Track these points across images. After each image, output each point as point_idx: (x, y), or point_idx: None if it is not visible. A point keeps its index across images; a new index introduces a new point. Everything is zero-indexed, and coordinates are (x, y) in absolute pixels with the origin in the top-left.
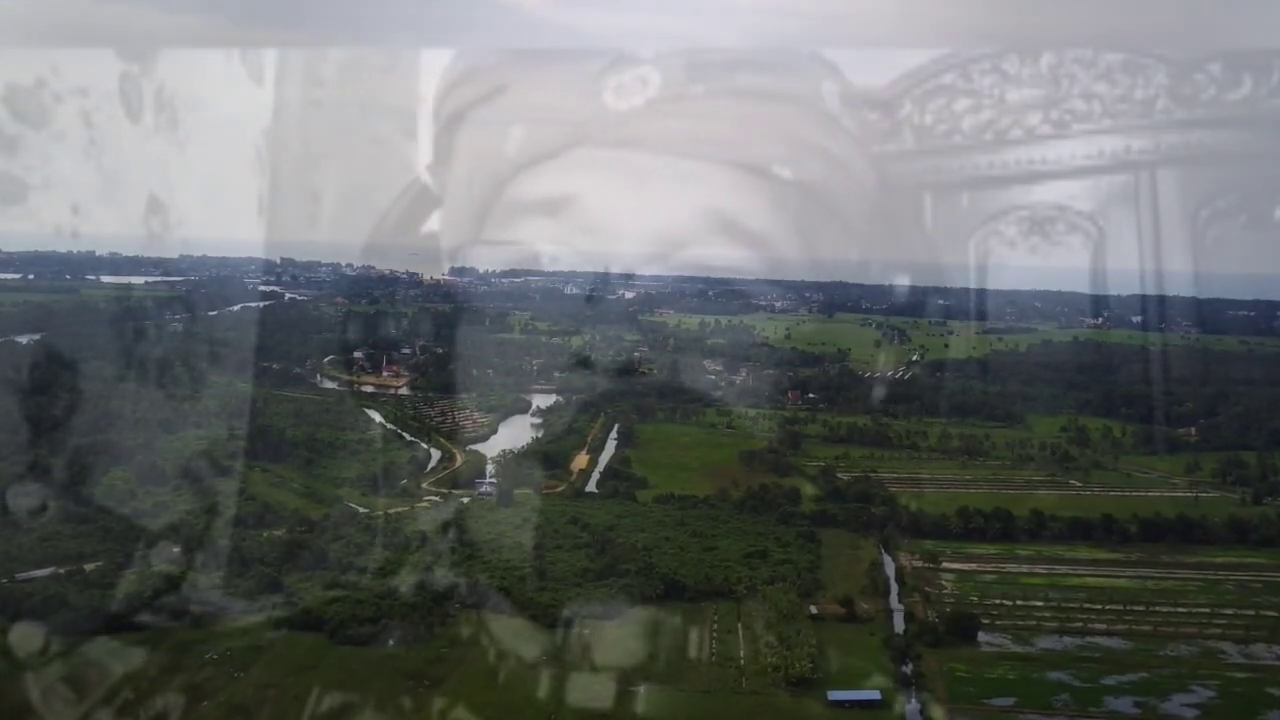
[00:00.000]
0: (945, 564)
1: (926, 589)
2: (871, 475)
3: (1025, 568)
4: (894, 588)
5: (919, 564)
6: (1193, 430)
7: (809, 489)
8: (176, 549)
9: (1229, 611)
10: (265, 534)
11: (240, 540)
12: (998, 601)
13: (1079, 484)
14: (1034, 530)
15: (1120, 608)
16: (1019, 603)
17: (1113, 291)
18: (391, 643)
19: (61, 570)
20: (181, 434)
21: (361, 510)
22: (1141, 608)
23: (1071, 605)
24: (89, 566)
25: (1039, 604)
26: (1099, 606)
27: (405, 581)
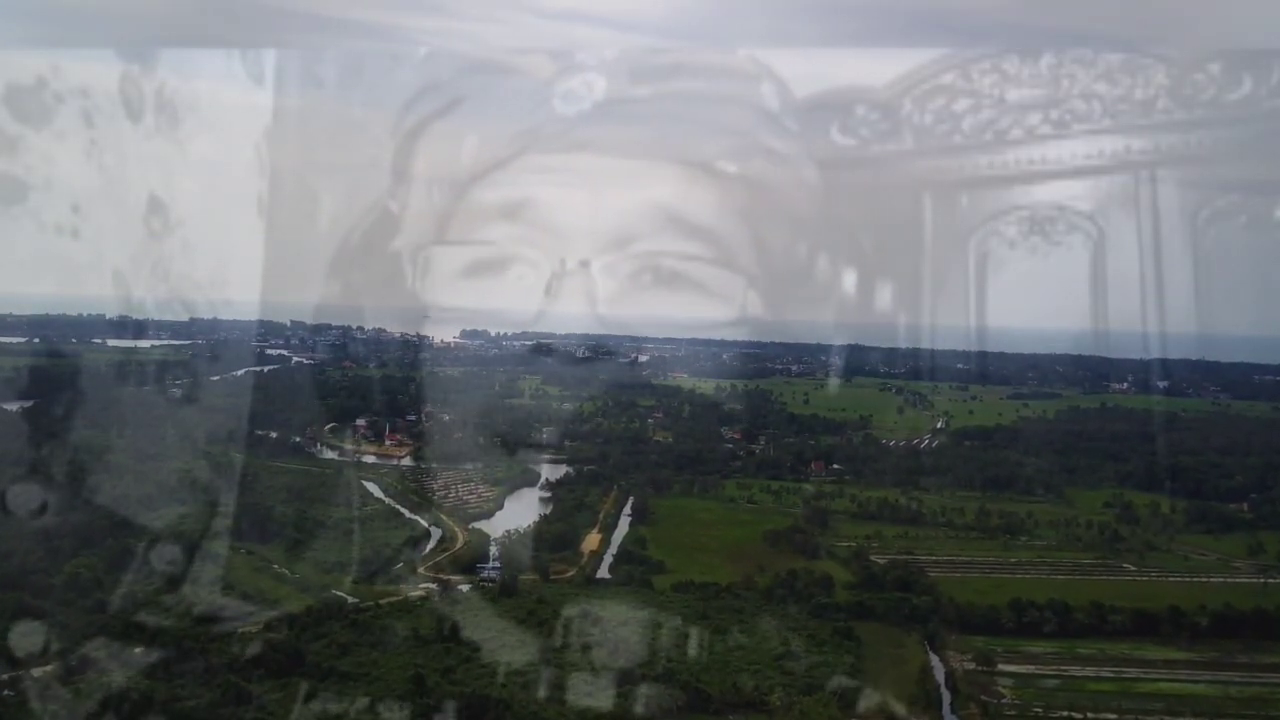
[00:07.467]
0: (1000, 665)
1: (983, 697)
2: (908, 558)
3: (1090, 670)
4: (946, 695)
5: (971, 666)
6: (1245, 506)
7: (842, 574)
8: (138, 650)
9: None
10: (238, 631)
11: (208, 640)
12: (1065, 714)
13: (1133, 568)
14: (1094, 625)
15: None
16: (1089, 716)
17: (1134, 355)
18: None
19: (4, 676)
20: (164, 511)
21: (350, 599)
22: None
23: (1149, 718)
24: (37, 671)
25: (1112, 716)
26: None
27: (390, 690)
